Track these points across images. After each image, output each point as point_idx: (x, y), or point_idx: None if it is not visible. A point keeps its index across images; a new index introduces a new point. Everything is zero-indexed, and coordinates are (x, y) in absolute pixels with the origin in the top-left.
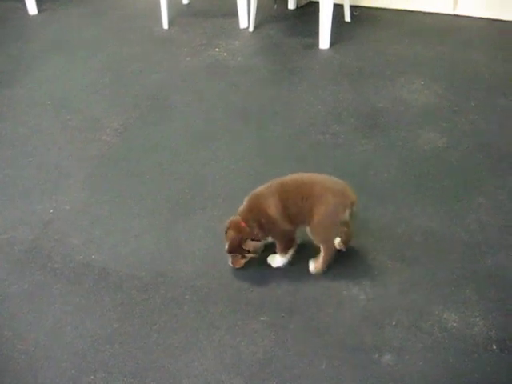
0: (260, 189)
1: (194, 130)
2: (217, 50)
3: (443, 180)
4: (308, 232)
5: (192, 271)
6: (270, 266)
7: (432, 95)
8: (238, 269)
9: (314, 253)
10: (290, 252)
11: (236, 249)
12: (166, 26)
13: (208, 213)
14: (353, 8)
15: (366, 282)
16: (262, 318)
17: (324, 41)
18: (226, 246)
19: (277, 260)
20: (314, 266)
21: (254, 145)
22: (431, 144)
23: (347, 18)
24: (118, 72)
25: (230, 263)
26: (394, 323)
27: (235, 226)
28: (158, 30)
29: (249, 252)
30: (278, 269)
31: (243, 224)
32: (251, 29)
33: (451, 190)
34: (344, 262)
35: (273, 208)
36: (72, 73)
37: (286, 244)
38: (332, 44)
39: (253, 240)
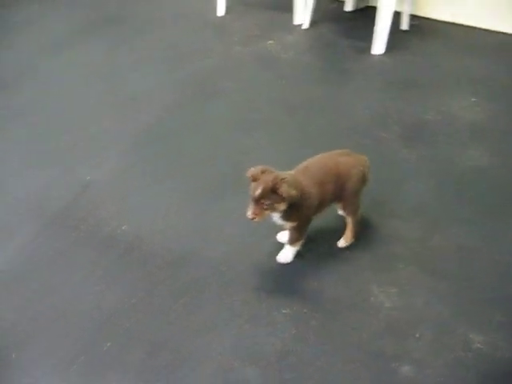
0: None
1: (239, 116)
2: (269, 42)
3: (483, 198)
4: (339, 207)
5: (220, 255)
6: (298, 261)
7: (482, 113)
8: (253, 221)
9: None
10: (298, 245)
11: (267, 194)
12: (221, 13)
13: (243, 200)
14: (411, 17)
15: (393, 290)
16: (284, 311)
17: (378, 46)
18: (257, 191)
19: (285, 255)
20: (343, 240)
21: (295, 138)
22: (475, 161)
23: (404, 27)
24: (168, 53)
25: (248, 214)
26: (417, 335)
27: (271, 172)
28: (213, 16)
29: (281, 200)
30: (306, 265)
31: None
32: (306, 26)
33: (490, 209)
34: (374, 267)
35: (311, 187)
36: (123, 48)
37: (301, 234)
38: (386, 51)
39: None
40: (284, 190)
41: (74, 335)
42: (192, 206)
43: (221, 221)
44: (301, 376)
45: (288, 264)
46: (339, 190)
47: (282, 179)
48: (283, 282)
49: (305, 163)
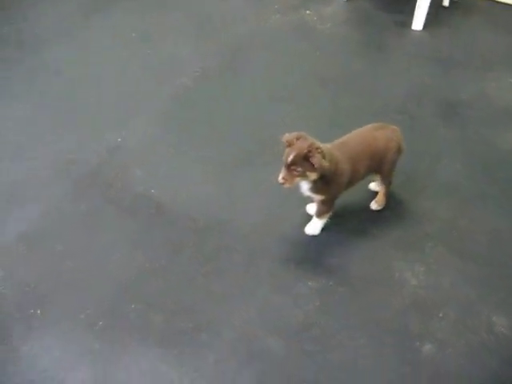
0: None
1: (271, 87)
2: (307, 12)
3: None
4: (376, 179)
5: (248, 223)
6: (326, 234)
7: None
8: (283, 187)
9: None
10: (325, 218)
11: (299, 160)
12: None
13: (272, 170)
14: None
15: (420, 268)
16: (309, 283)
17: (418, 22)
18: (290, 156)
19: (313, 227)
20: (376, 204)
21: (327, 112)
22: (510, 144)
23: (445, 3)
24: (205, 17)
25: (280, 179)
26: (440, 315)
27: (306, 139)
28: None
29: (313, 169)
30: (334, 239)
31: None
32: None
33: None
34: (402, 245)
35: (345, 163)
36: (159, 11)
37: (329, 207)
38: (425, 26)
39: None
40: (317, 159)
41: (98, 296)
42: (221, 175)
43: (249, 191)
44: (322, 349)
45: (316, 237)
46: (377, 164)
47: (317, 148)
48: (310, 255)
49: (342, 138)
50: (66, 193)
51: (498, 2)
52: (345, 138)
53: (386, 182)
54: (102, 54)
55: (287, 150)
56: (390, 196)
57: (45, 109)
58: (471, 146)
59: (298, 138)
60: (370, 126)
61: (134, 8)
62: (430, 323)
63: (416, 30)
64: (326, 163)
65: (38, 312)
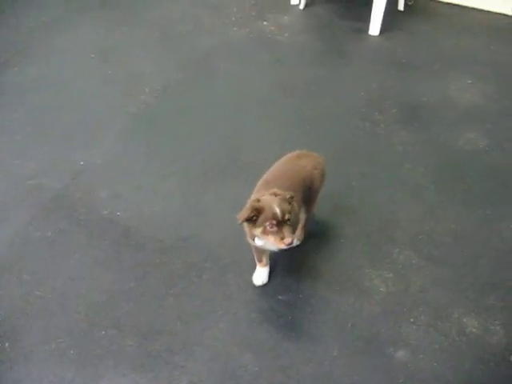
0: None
1: (235, 98)
2: (265, 23)
3: (480, 183)
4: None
5: (215, 240)
6: (295, 248)
7: (479, 95)
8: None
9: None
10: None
11: (287, 209)
12: None
13: (240, 183)
14: None
15: (388, 274)
16: (279, 297)
17: (374, 27)
18: (278, 212)
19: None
20: (296, 238)
21: (292, 121)
22: (472, 145)
23: (400, 7)
24: (166, 32)
25: (288, 240)
26: (412, 320)
27: (265, 196)
28: None
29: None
30: (302, 252)
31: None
32: (302, 6)
33: (487, 194)
34: (370, 253)
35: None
36: (118, 28)
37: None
38: (382, 31)
39: None
40: (289, 194)
41: (68, 323)
42: (186, 191)
43: (216, 206)
44: (297, 362)
45: (284, 251)
46: (306, 194)
47: (278, 192)
48: (279, 269)
49: (266, 177)
50: (30, 219)
51: (452, 4)
52: (269, 175)
53: (310, 213)
54: (62, 74)
55: (264, 215)
56: (353, 203)
57: (5, 134)
58: (434, 149)
59: (259, 201)
60: (292, 155)
61: (92, 26)
62: (401, 329)
63: (373, 36)
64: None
65: (6, 345)
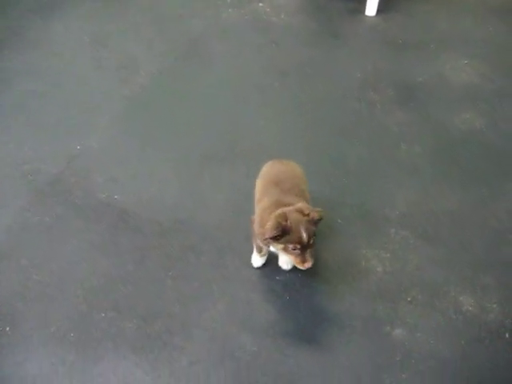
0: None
1: (230, 82)
2: (260, 4)
3: (476, 162)
4: None
5: (213, 222)
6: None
7: (475, 75)
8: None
9: None
10: None
11: (312, 229)
12: None
13: (236, 167)
14: None
15: (385, 254)
16: (277, 278)
17: (371, 7)
18: (306, 236)
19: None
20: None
21: (288, 104)
22: (468, 125)
23: None
24: (160, 15)
25: (309, 264)
26: (409, 299)
27: (286, 213)
28: None
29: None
30: None
31: None
32: None
33: (483, 174)
34: (366, 233)
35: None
36: (111, 12)
37: None
38: (378, 12)
39: None
40: (317, 214)
41: (67, 307)
42: (183, 175)
43: (213, 189)
44: (294, 341)
45: None
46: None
47: (306, 208)
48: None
49: (271, 178)
50: (27, 204)
51: None
52: (272, 177)
53: None
54: (56, 59)
55: (290, 236)
56: (350, 184)
57: (0, 119)
58: (430, 129)
59: (285, 219)
60: (274, 163)
61: (88, 11)
62: (398, 308)
63: (369, 16)
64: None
65: (7, 329)
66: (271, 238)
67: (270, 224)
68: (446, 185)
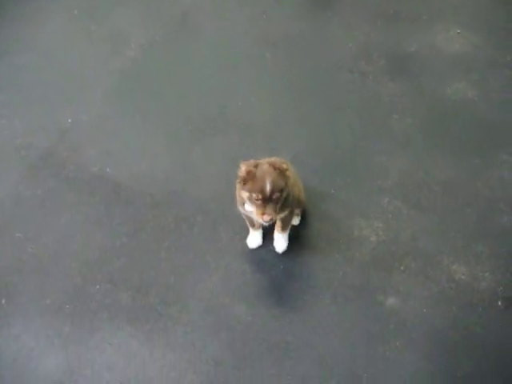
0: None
1: (220, 54)
2: None
3: (468, 132)
4: None
5: (206, 194)
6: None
7: (468, 45)
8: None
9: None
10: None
11: (278, 185)
12: None
13: (228, 138)
14: None
15: (378, 224)
16: (271, 247)
17: None
18: (268, 187)
19: (283, 243)
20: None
21: (279, 76)
22: (460, 95)
23: None
24: None
25: (266, 218)
26: (402, 268)
27: (261, 163)
28: None
29: (286, 187)
30: None
31: None
32: None
33: (475, 144)
34: (358, 203)
35: None
36: None
37: (292, 216)
38: None
39: None
40: (289, 171)
41: (62, 279)
42: (176, 145)
43: (205, 161)
44: (289, 311)
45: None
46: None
47: (282, 162)
48: None
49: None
50: (20, 178)
51: None
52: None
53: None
54: (46, 32)
55: (253, 183)
56: (342, 155)
57: None
58: (422, 99)
59: (255, 166)
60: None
61: None
62: (391, 277)
63: None
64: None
65: (3, 302)
66: (239, 183)
67: (240, 169)
68: (438, 155)
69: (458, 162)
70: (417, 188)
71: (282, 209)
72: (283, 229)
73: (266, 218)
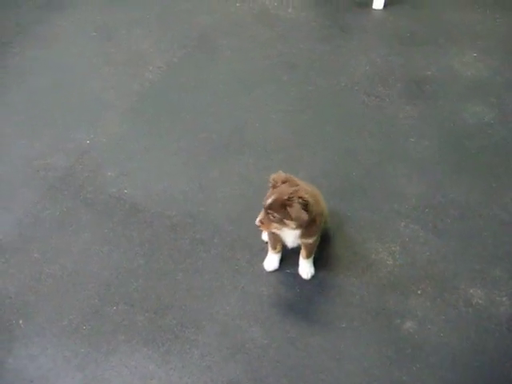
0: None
1: (238, 75)
2: None
3: (485, 156)
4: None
5: (223, 216)
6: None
7: (484, 68)
8: (260, 230)
9: None
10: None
11: (277, 207)
12: None
13: (245, 159)
14: None
15: (395, 247)
16: (287, 271)
17: (378, 1)
18: (269, 200)
19: (308, 269)
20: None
21: (296, 97)
22: (477, 118)
23: None
24: (167, 9)
25: (256, 221)
26: (419, 292)
27: (293, 183)
28: None
29: (288, 220)
30: None
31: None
32: None
33: (492, 167)
34: (376, 226)
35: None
36: (119, 5)
37: (317, 242)
38: (386, 5)
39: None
40: (295, 210)
41: (79, 300)
42: (193, 168)
43: (222, 182)
44: (304, 334)
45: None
46: None
47: (300, 197)
48: None
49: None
50: (39, 199)
51: None
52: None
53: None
54: (65, 54)
55: (269, 191)
56: (359, 178)
57: (9, 115)
58: (439, 122)
59: (283, 181)
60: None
61: (94, 4)
62: (408, 301)
63: (377, 10)
64: (304, 215)
65: (20, 322)
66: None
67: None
68: (455, 178)
69: (475, 186)
70: (434, 212)
71: (309, 236)
72: (307, 256)
73: (256, 220)
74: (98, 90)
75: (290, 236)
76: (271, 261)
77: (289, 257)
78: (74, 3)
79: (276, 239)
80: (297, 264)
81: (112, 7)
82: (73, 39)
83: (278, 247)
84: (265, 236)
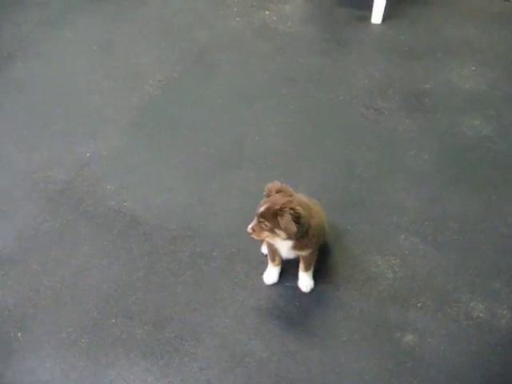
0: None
1: (237, 90)
2: (267, 13)
3: (484, 169)
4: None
5: (222, 229)
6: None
7: (482, 82)
8: (251, 238)
9: None
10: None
11: (269, 216)
12: None
13: (244, 173)
14: None
15: (395, 260)
16: (287, 284)
17: (377, 15)
18: (261, 208)
19: (308, 282)
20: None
21: (295, 110)
22: (476, 131)
23: None
24: (166, 24)
25: (248, 228)
26: (419, 305)
27: (287, 194)
28: None
29: (278, 229)
30: None
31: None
32: None
33: (491, 180)
34: (376, 239)
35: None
36: (120, 21)
37: (315, 255)
38: (384, 19)
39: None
40: (285, 221)
41: (78, 313)
42: (194, 180)
43: (222, 196)
44: (304, 347)
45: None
46: None
47: (292, 208)
48: None
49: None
50: (39, 211)
51: None
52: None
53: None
54: (65, 68)
55: (263, 200)
56: (358, 191)
57: (10, 128)
58: (437, 135)
59: (278, 191)
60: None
61: (94, 19)
62: (409, 314)
63: (376, 24)
64: (294, 227)
65: (19, 335)
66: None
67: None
68: (454, 191)
69: (474, 199)
70: (433, 224)
71: (302, 248)
72: (306, 268)
73: (248, 228)
74: (99, 104)
75: (283, 247)
76: (271, 274)
77: (288, 270)
78: (75, 19)
79: (274, 251)
80: (296, 277)
81: (113, 22)
82: (73, 54)
83: (278, 260)
84: (264, 249)
